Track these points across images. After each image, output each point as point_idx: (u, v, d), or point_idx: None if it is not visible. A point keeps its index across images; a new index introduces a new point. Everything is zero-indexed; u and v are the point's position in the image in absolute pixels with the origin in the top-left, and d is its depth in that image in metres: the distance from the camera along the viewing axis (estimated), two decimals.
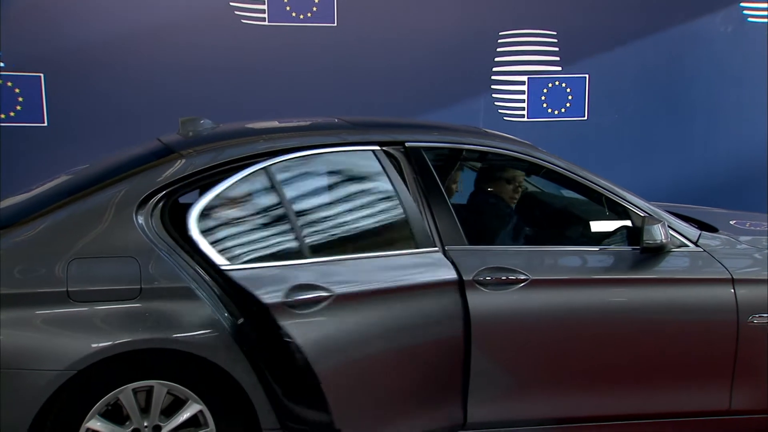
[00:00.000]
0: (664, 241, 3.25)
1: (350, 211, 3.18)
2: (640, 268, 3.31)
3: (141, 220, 2.95)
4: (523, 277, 3.15)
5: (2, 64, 6.43)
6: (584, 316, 3.22)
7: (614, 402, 3.29)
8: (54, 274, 2.81)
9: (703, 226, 3.70)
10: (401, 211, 3.14)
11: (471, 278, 3.09)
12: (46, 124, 6.58)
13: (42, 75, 6.51)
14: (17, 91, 6.50)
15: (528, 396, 3.22)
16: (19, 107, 6.52)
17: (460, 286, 3.07)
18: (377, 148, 3.23)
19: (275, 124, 3.82)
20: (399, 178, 3.21)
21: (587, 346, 3.24)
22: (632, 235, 3.40)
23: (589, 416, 3.29)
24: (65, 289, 2.80)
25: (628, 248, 3.37)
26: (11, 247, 2.88)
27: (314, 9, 6.90)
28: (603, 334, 3.25)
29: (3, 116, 6.49)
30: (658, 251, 3.31)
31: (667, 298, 3.30)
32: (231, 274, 2.87)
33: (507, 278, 3.14)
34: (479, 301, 3.07)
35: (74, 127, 6.56)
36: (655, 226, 3.24)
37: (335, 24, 6.96)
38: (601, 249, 3.42)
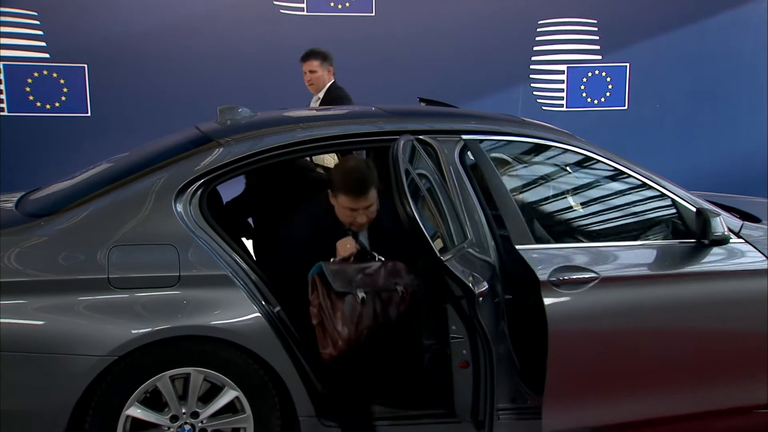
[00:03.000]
0: (726, 233, 3.20)
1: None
2: (690, 261, 3.26)
3: (180, 207, 2.98)
4: (592, 275, 3.11)
5: (48, 56, 6.55)
6: (655, 312, 3.17)
7: (693, 400, 3.26)
8: (96, 261, 2.86)
9: (745, 216, 3.63)
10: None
11: (547, 279, 3.04)
12: (89, 114, 6.69)
13: (86, 66, 6.62)
14: (62, 82, 6.62)
15: (615, 399, 3.19)
16: (63, 98, 6.64)
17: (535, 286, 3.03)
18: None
19: (313, 112, 3.83)
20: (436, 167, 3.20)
21: (658, 343, 3.20)
22: (675, 227, 3.35)
23: (669, 416, 3.25)
24: (106, 276, 2.85)
25: (675, 241, 3.32)
26: (55, 234, 2.94)
27: None
28: (671, 331, 3.20)
29: (48, 107, 6.61)
30: (722, 244, 3.25)
31: (710, 292, 3.24)
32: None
33: (579, 278, 3.09)
34: (555, 301, 3.03)
35: (116, 116, 6.67)
36: (717, 219, 3.19)
37: (373, 14, 6.97)
38: (654, 244, 3.36)
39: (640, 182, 3.40)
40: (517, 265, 3.11)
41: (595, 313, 3.08)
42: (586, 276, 3.09)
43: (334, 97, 5.31)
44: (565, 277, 3.06)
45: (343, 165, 3.27)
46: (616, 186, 3.58)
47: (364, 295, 3.00)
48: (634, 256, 3.30)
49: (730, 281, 3.28)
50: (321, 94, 5.39)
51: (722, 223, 3.19)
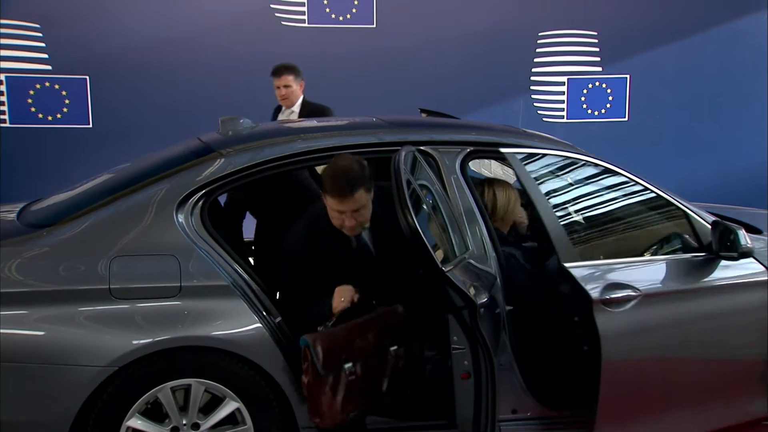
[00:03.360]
0: (750, 245, 3.21)
1: None
2: (709, 274, 3.30)
3: (181, 218, 2.97)
4: (636, 292, 3.12)
5: (50, 67, 6.57)
6: (691, 325, 3.22)
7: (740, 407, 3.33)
8: (97, 272, 2.86)
9: (746, 228, 3.63)
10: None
11: (599, 297, 3.06)
12: (90, 126, 6.70)
13: (87, 77, 6.64)
14: (64, 93, 6.64)
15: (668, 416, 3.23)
16: (65, 109, 6.66)
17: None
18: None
19: (313, 123, 3.83)
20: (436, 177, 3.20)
21: (700, 356, 3.26)
22: (686, 240, 3.38)
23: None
24: (107, 287, 2.85)
25: (688, 255, 3.35)
26: (57, 244, 2.93)
27: (353, 10, 6.94)
28: (706, 344, 3.26)
29: (50, 118, 6.63)
30: (747, 256, 3.27)
31: (726, 304, 3.30)
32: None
33: (626, 296, 3.10)
34: (606, 320, 3.04)
35: (117, 128, 6.69)
36: (741, 232, 3.22)
37: (374, 25, 6.99)
38: (674, 258, 3.37)
39: (653, 195, 3.43)
40: (562, 283, 3.14)
41: (643, 330, 3.11)
42: (631, 293, 3.11)
43: (313, 110, 5.34)
44: (614, 296, 3.08)
45: (333, 164, 3.07)
46: (627, 198, 3.59)
47: (351, 366, 2.91)
48: (662, 271, 3.32)
49: (738, 294, 3.33)
50: (296, 108, 5.43)
51: (745, 235, 3.21)
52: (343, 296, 3.00)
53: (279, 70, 5.41)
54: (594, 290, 3.05)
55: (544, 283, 3.40)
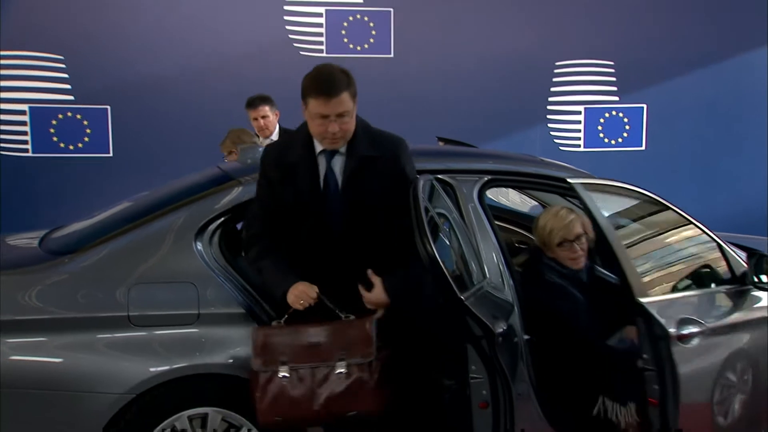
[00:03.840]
0: None
1: None
2: (751, 305, 3.34)
3: (200, 246, 2.99)
4: (703, 326, 3.14)
5: (72, 98, 6.66)
6: (750, 355, 3.27)
7: None
8: (116, 299, 2.88)
9: None
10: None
11: (676, 333, 3.07)
12: (111, 155, 6.77)
13: (108, 107, 6.72)
14: (85, 123, 6.72)
15: None
16: (86, 139, 6.73)
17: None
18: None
19: None
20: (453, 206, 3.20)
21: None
22: (717, 271, 3.39)
23: None
24: (126, 314, 2.86)
25: (724, 287, 3.38)
26: (77, 271, 2.96)
27: (371, 40, 7.00)
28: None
29: (72, 147, 6.71)
30: None
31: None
32: None
33: (697, 330, 3.12)
34: (681, 354, 3.06)
35: (137, 156, 6.75)
36: None
37: (392, 55, 7.04)
38: (715, 290, 3.40)
39: (687, 223, 3.45)
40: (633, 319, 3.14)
41: (713, 363, 3.15)
42: (699, 329, 3.13)
43: None
44: (687, 331, 3.10)
45: (315, 69, 2.83)
46: (662, 226, 3.60)
47: (287, 372, 2.70)
48: (719, 303, 3.35)
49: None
50: (274, 137, 5.48)
51: None
52: (301, 298, 2.76)
53: (254, 102, 5.49)
54: (669, 326, 3.06)
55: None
